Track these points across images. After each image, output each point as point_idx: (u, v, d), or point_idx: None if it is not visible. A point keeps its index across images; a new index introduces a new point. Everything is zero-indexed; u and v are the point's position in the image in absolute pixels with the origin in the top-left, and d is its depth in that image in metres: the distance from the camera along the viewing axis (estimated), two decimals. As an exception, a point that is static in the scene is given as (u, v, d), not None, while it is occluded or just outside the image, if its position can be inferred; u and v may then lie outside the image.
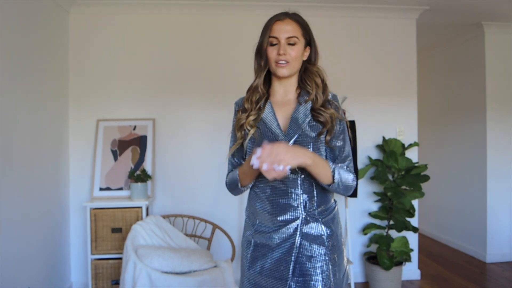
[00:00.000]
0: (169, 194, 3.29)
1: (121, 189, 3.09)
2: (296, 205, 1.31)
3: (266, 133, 1.33)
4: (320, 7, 3.36)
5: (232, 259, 2.83)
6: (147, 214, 2.98)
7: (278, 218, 1.32)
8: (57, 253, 2.99)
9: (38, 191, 2.70)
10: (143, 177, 2.96)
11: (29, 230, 2.57)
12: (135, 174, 2.96)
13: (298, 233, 1.31)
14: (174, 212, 3.24)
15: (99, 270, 2.90)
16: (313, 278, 1.30)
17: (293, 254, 1.30)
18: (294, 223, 1.31)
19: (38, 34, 2.71)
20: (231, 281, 2.58)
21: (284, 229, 1.31)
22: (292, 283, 1.30)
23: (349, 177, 1.31)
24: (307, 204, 1.32)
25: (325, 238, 1.33)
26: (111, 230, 2.89)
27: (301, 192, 1.31)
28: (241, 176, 1.36)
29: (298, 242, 1.30)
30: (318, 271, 1.31)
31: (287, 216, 1.32)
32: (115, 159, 3.15)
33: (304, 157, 1.20)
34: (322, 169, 1.26)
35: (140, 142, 3.20)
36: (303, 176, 1.31)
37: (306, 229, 1.31)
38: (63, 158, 3.12)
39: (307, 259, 1.31)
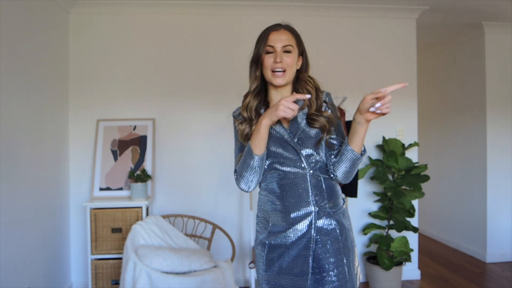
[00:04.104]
0: (169, 194, 3.29)
1: (121, 189, 3.09)
2: (307, 201, 1.35)
3: (273, 133, 1.39)
4: (320, 7, 3.35)
5: (232, 259, 2.84)
6: (147, 214, 2.98)
7: (290, 216, 1.36)
8: (57, 253, 2.99)
9: (38, 191, 2.70)
10: (143, 177, 2.96)
11: (29, 230, 2.57)
12: (135, 174, 2.96)
13: (312, 227, 1.34)
14: (174, 212, 3.24)
15: (99, 270, 2.90)
16: (329, 273, 1.33)
17: (311, 248, 1.33)
18: (307, 218, 1.34)
19: (38, 34, 2.71)
20: (231, 281, 2.59)
21: (298, 225, 1.35)
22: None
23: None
24: (318, 199, 1.36)
25: (338, 232, 1.36)
26: (111, 230, 2.90)
27: (310, 187, 1.36)
28: (252, 143, 1.35)
29: (314, 236, 1.34)
30: (333, 266, 1.33)
31: (300, 212, 1.35)
32: (115, 159, 3.15)
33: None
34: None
35: (140, 142, 3.20)
36: (311, 171, 1.37)
37: (319, 223, 1.35)
38: (63, 158, 3.12)
39: (321, 254, 1.34)
